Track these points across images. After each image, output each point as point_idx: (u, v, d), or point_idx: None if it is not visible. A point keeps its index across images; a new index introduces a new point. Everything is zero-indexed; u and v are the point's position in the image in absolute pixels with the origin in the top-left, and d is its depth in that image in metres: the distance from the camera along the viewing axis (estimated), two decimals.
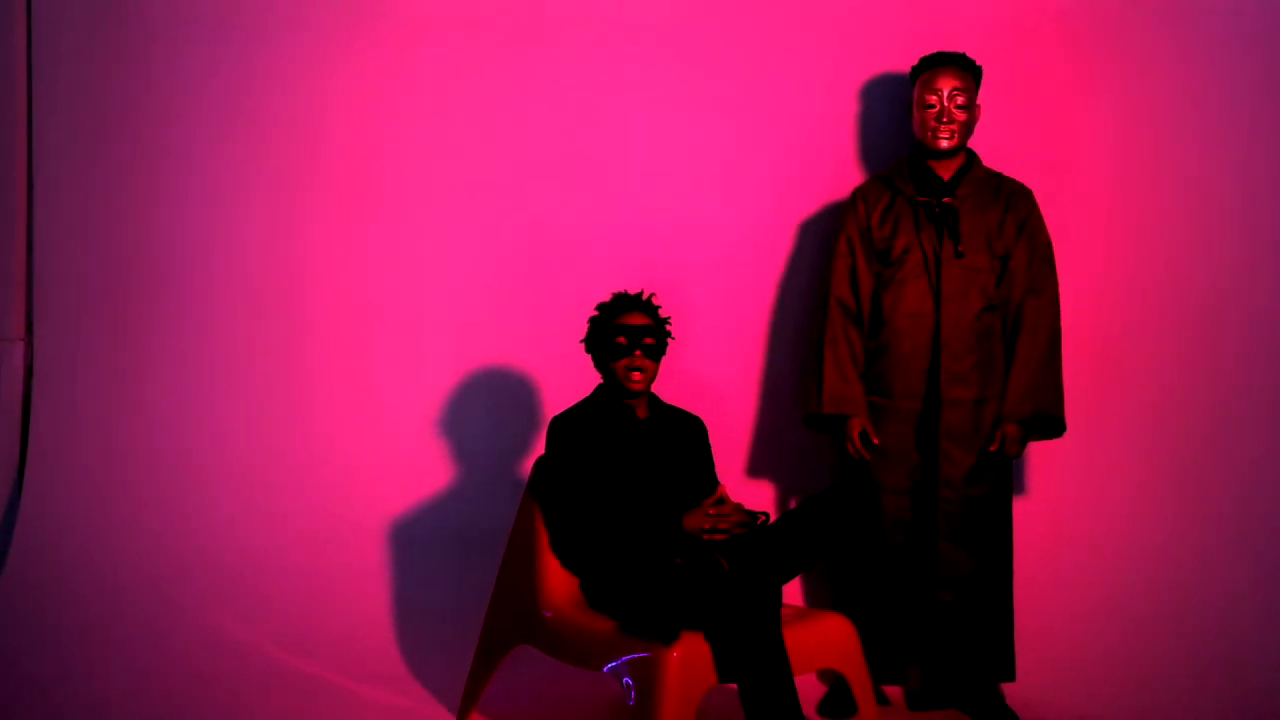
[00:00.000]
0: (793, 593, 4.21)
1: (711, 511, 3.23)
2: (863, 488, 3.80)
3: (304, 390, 4.31)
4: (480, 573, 4.02)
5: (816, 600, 4.23)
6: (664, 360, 3.67)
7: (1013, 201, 3.86)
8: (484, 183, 4.32)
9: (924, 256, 3.82)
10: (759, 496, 4.27)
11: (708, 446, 3.65)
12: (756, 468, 4.31)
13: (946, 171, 3.88)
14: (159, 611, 4.07)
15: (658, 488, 3.47)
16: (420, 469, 4.27)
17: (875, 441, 3.82)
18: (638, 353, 3.44)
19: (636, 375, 3.46)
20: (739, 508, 3.31)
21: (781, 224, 4.31)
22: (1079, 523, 4.25)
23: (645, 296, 3.53)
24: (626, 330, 3.45)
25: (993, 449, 3.78)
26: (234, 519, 4.24)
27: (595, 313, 3.56)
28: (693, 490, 3.52)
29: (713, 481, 3.60)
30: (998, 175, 3.93)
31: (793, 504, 4.29)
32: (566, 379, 4.02)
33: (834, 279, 3.90)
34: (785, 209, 4.30)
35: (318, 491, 4.25)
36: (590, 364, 3.64)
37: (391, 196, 4.32)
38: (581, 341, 3.59)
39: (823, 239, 4.25)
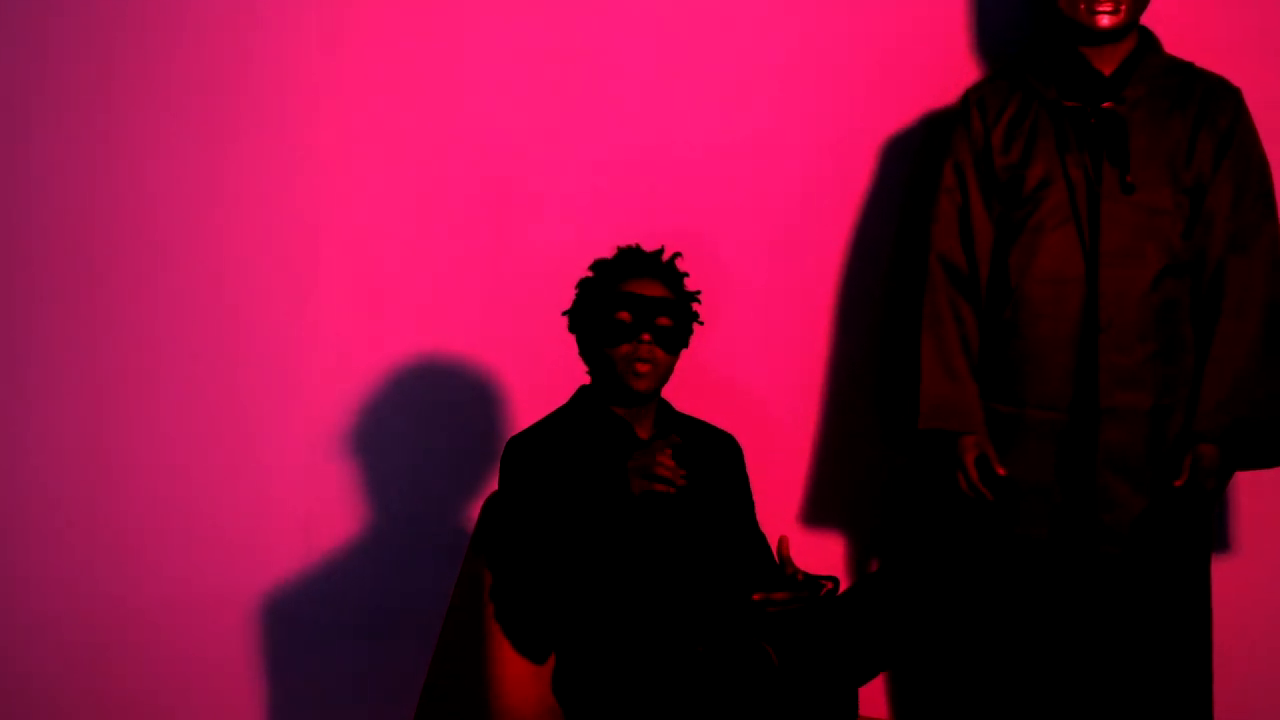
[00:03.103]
0: (873, 699, 4.01)
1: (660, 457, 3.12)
2: (978, 541, 3.65)
3: (143, 403, 4.04)
4: (403, 666, 3.92)
5: (906, 710, 4.11)
6: (683, 352, 3.38)
7: (1210, 106, 3.61)
8: (412, 81, 4.06)
9: (1072, 192, 3.59)
10: (821, 555, 4.01)
11: (744, 479, 3.40)
12: (817, 511, 4.11)
13: (1108, 63, 3.60)
14: None
15: (667, 539, 3.23)
16: (313, 514, 4.04)
17: (1000, 471, 3.57)
18: (646, 336, 3.20)
19: (643, 368, 3.22)
20: (804, 577, 3.14)
21: (856, 146, 4.07)
22: None
23: (665, 257, 3.32)
24: (632, 302, 3.22)
25: (1178, 483, 3.50)
26: (32, 591, 4.00)
27: (589, 273, 3.33)
28: (722, 543, 3.31)
29: (753, 528, 3.36)
30: (1187, 67, 3.66)
31: (873, 566, 4.12)
32: (537, 376, 3.87)
33: (936, 227, 3.69)
34: (862, 123, 4.07)
35: (163, 551, 4.03)
36: (573, 355, 3.39)
37: (262, 109, 4.01)
38: (564, 314, 3.33)
39: (918, 167, 4.02)
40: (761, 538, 3.37)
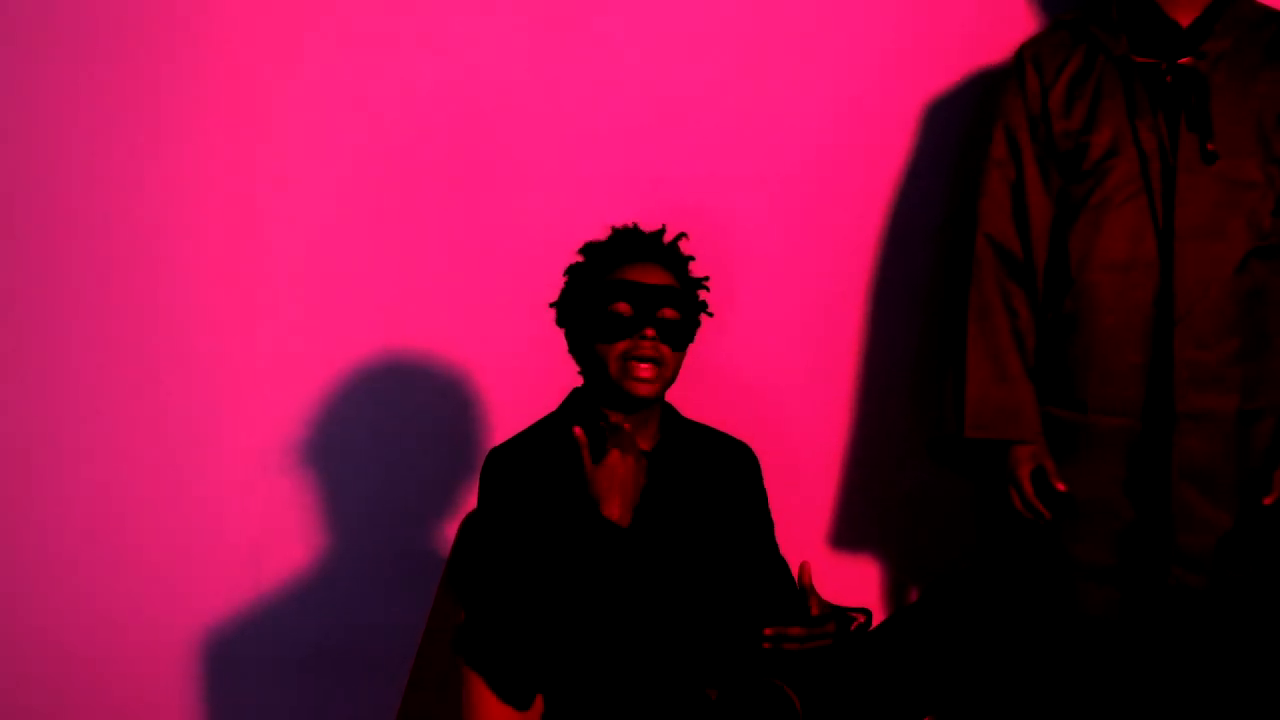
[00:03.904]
0: None
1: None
2: (1034, 567, 3.52)
3: (69, 411, 3.84)
4: (367, 713, 3.80)
5: None
6: (689, 349, 3.19)
7: None
8: (368, 33, 3.86)
9: (1143, 162, 3.42)
10: (851, 584, 3.93)
11: (762, 496, 3.24)
12: (847, 533, 4.02)
13: (1187, 12, 3.44)
14: None
15: (671, 566, 3.08)
16: (262, 537, 3.86)
17: (1060, 487, 3.44)
18: (650, 331, 3.07)
19: (646, 370, 3.07)
20: (828, 609, 3.01)
21: (893, 109, 3.97)
22: None
23: (668, 238, 3.18)
24: (632, 292, 3.09)
25: (1268, 501, 3.39)
26: None
27: (579, 258, 3.19)
28: (736, 570, 3.18)
29: (772, 553, 3.21)
30: (1279, 17, 3.53)
31: (911, 597, 4.04)
32: (522, 377, 3.75)
33: (984, 203, 3.55)
34: (899, 83, 3.96)
35: (92, 579, 3.83)
36: (563, 353, 3.19)
37: (201, 76, 3.82)
38: (552, 306, 3.18)
39: (962, 136, 3.94)
40: (782, 564, 3.21)
